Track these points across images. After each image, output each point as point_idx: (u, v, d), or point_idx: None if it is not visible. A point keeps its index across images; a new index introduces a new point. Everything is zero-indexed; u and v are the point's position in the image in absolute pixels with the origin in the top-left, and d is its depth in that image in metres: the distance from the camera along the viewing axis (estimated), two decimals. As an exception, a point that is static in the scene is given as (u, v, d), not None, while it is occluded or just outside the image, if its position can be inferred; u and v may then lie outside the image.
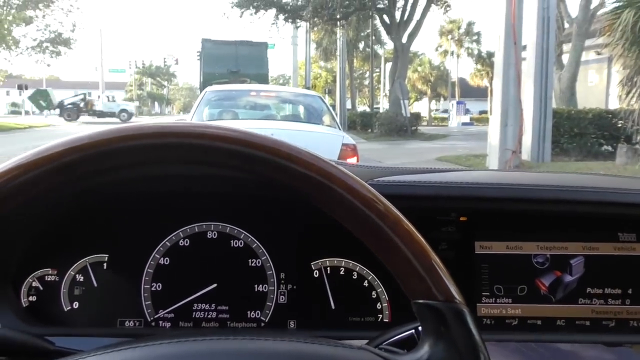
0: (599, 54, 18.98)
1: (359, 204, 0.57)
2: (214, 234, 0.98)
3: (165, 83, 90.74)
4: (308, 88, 27.86)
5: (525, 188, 0.95)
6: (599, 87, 21.57)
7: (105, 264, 0.96)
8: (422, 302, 0.56)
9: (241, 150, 0.56)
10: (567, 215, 0.97)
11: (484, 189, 0.95)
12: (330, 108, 7.86)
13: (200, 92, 9.59)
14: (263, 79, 19.33)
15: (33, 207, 0.90)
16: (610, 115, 13.24)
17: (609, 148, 12.99)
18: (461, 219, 0.96)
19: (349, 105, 34.68)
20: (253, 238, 0.97)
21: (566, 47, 19.33)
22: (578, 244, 0.96)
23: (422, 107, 57.05)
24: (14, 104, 63.05)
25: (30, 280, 0.95)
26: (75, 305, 0.95)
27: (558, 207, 0.96)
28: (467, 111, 43.54)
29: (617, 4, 10.44)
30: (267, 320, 0.96)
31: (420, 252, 0.56)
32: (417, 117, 30.08)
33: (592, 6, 17.48)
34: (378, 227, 0.56)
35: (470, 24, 51.93)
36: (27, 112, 40.56)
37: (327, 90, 44.36)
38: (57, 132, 24.30)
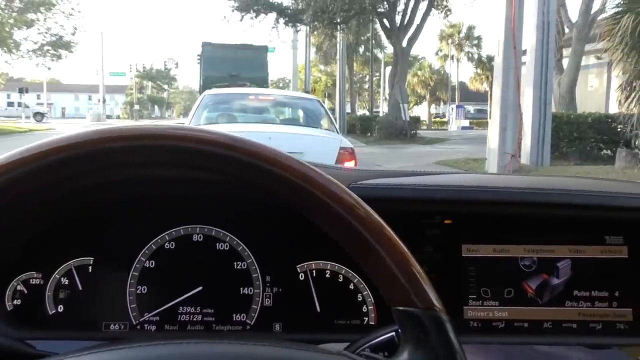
0: (599, 58, 19.01)
1: (340, 209, 0.56)
2: (200, 237, 0.97)
3: (166, 86, 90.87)
4: (308, 92, 27.87)
5: (507, 191, 0.95)
6: (599, 91, 21.58)
7: (90, 267, 0.96)
8: (402, 309, 0.56)
9: (222, 152, 0.56)
10: (554, 219, 0.97)
11: (464, 192, 0.95)
12: (329, 112, 7.88)
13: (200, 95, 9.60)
14: (263, 82, 19.33)
15: (17, 210, 0.90)
16: (610, 120, 13.25)
17: (609, 152, 13.00)
18: (445, 221, 0.96)
19: (348, 109, 34.71)
20: (238, 241, 0.97)
21: (566, 51, 19.37)
22: (565, 246, 0.96)
23: (421, 111, 57.18)
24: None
25: (15, 283, 0.94)
26: (60, 308, 0.95)
27: (543, 210, 0.95)
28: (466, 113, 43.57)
29: (616, 10, 10.45)
30: (252, 323, 0.96)
31: (401, 259, 0.56)
32: (416, 120, 30.17)
33: (592, 11, 17.51)
34: (359, 233, 0.56)
35: (470, 28, 52.08)
36: (27, 117, 40.60)
37: (327, 94, 44.44)
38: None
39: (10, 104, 50.70)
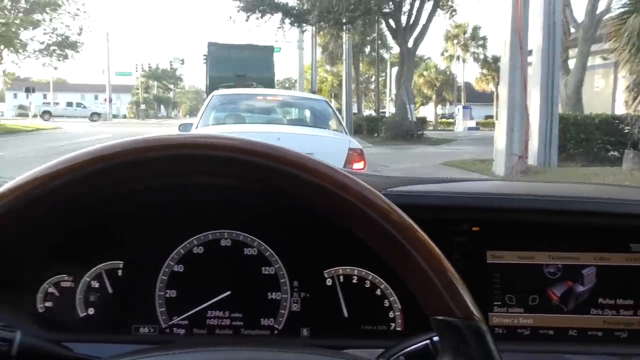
0: (605, 59, 18.94)
1: (377, 216, 0.57)
2: (228, 241, 0.98)
3: (172, 86, 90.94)
4: (314, 92, 27.88)
5: (537, 199, 0.95)
6: (606, 92, 21.50)
7: (120, 271, 0.97)
8: (440, 318, 0.56)
9: (257, 161, 0.57)
10: (579, 226, 0.97)
11: (496, 200, 0.96)
12: (337, 112, 7.87)
13: (207, 95, 9.60)
14: (269, 82, 19.34)
15: (51, 215, 0.91)
16: (617, 121, 13.19)
17: (616, 154, 12.95)
18: (473, 229, 0.97)
19: (355, 109, 34.69)
20: (266, 246, 0.98)
21: (572, 52, 19.29)
22: (590, 254, 0.96)
23: (428, 111, 57.04)
24: (21, 107, 63.56)
25: (47, 286, 0.96)
26: (91, 311, 0.96)
27: (569, 218, 0.96)
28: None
29: (623, 10, 10.43)
30: (280, 328, 0.97)
31: (439, 267, 0.56)
32: (423, 121, 30.11)
33: (598, 11, 17.45)
34: (396, 241, 0.56)
35: (476, 29, 51.91)
36: (34, 116, 40.95)
37: (333, 94, 44.41)
38: (64, 135, 24.37)
39: (69, 104, 55.74)
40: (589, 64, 18.07)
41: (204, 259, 0.98)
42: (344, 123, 7.81)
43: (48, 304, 0.96)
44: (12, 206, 0.54)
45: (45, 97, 66.46)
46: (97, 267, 0.97)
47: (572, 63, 18.70)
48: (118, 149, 0.57)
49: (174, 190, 0.96)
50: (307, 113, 7.92)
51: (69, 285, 0.97)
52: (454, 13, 24.82)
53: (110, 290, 0.97)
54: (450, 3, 24.31)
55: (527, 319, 0.96)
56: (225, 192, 0.95)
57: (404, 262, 0.57)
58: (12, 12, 31.84)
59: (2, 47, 30.40)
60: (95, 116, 52.89)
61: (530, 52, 11.84)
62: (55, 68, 37.63)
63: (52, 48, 34.44)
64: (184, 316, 0.97)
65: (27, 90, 38.83)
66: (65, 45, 34.71)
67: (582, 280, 0.96)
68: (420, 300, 0.58)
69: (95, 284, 0.97)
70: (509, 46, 11.11)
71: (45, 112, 49.30)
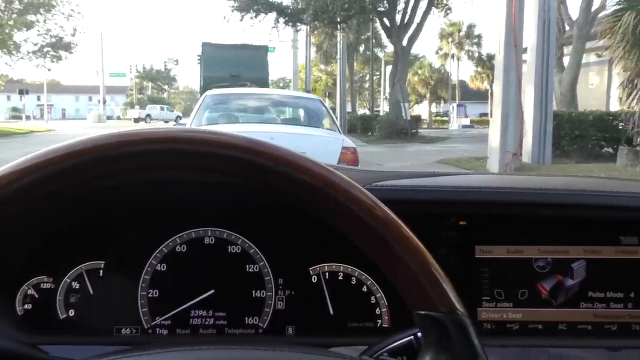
0: (599, 56, 19.00)
1: (360, 212, 0.55)
2: (211, 239, 0.97)
3: (166, 87, 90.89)
4: (308, 91, 27.90)
5: (524, 192, 0.94)
6: (600, 89, 21.58)
7: (101, 271, 0.95)
8: (423, 313, 0.55)
9: (241, 156, 0.55)
10: (568, 219, 0.96)
11: (482, 193, 0.94)
12: (330, 111, 7.87)
13: (201, 95, 9.58)
14: (263, 82, 19.33)
15: (29, 214, 0.89)
16: (611, 118, 13.25)
17: (610, 150, 12.99)
18: (461, 223, 0.95)
19: (349, 108, 34.72)
20: (250, 244, 0.96)
21: (567, 49, 19.35)
22: (579, 247, 0.95)
23: (422, 110, 57.19)
24: (14, 109, 63.61)
25: (26, 288, 0.94)
26: (71, 313, 0.94)
27: (558, 211, 0.95)
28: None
29: (617, 7, 10.46)
30: (265, 327, 0.95)
31: (422, 262, 0.55)
32: (417, 119, 30.14)
33: (593, 8, 17.50)
34: (379, 237, 0.55)
35: (470, 27, 52.03)
36: (27, 117, 40.92)
37: (327, 93, 44.44)
38: (58, 137, 24.30)
39: (162, 108, 62.91)
40: (583, 61, 18.10)
41: (187, 258, 0.96)
42: (337, 122, 7.80)
43: (27, 306, 0.94)
44: None
45: (39, 98, 66.39)
46: (78, 267, 0.95)
47: (566, 60, 18.75)
48: (96, 142, 0.55)
49: (155, 188, 0.94)
50: (301, 112, 7.91)
51: (49, 286, 0.94)
52: (448, 11, 24.87)
53: (91, 291, 0.95)
54: (444, 1, 24.32)
55: (516, 314, 0.95)
56: (208, 189, 0.93)
57: (387, 257, 0.56)
58: (6, 13, 31.71)
59: (-5, 48, 30.32)
60: (178, 119, 59.03)
61: (524, 50, 11.87)
62: (49, 70, 37.38)
63: (45, 49, 34.28)
64: (166, 316, 0.95)
65: (21, 92, 38.71)
66: (59, 47, 34.55)
67: (571, 273, 0.95)
68: (403, 295, 0.56)
69: (76, 285, 0.95)
70: (504, 44, 11.14)
71: (147, 115, 59.12)
